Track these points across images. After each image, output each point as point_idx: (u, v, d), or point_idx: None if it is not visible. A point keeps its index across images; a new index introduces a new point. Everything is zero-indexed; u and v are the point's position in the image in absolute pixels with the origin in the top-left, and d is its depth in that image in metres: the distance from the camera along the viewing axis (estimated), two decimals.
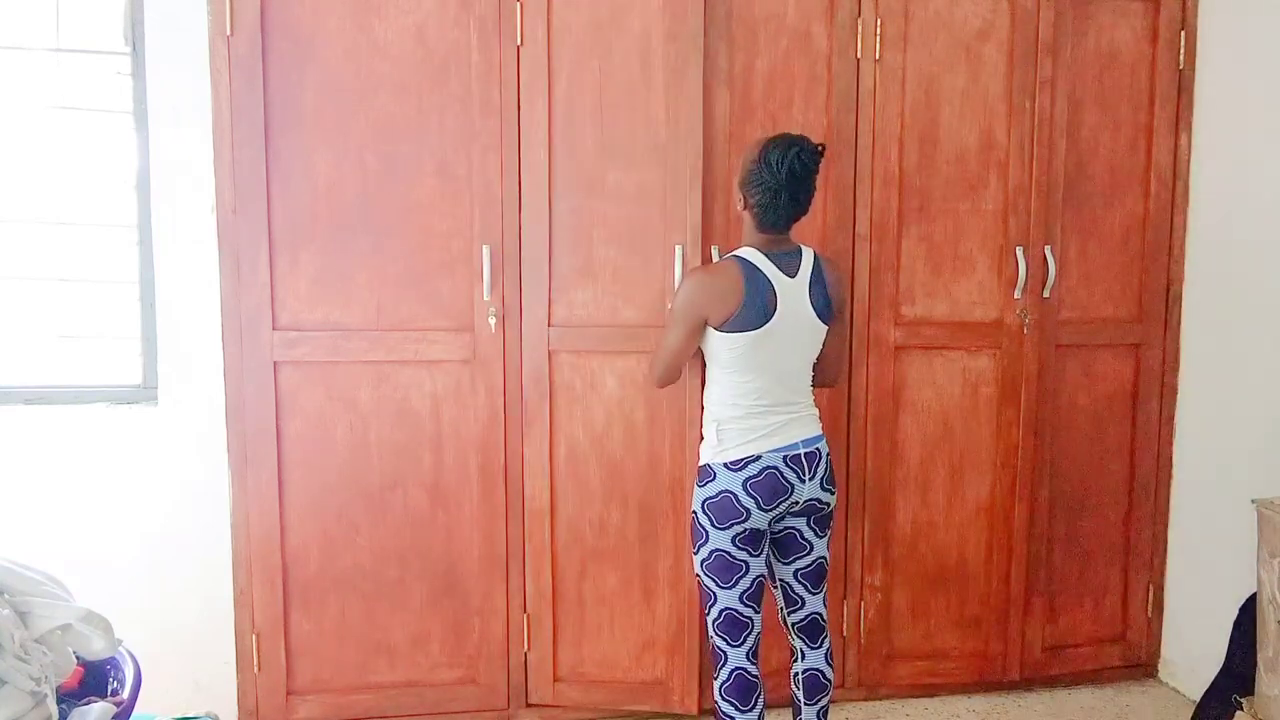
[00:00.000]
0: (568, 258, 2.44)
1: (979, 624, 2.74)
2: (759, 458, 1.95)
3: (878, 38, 2.52)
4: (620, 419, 2.49)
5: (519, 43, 2.37)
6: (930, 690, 2.75)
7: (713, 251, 2.44)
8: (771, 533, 2.05)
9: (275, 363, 2.35)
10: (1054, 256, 2.64)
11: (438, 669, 2.50)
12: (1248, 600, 2.14)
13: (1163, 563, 2.86)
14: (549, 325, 2.44)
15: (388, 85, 2.35)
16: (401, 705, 2.48)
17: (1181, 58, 2.71)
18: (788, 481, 1.96)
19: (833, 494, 2.06)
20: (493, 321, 2.40)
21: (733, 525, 1.95)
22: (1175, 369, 2.80)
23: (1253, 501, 2.06)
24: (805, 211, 2.00)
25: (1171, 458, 2.83)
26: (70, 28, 2.40)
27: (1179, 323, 2.79)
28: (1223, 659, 2.20)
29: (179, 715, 2.01)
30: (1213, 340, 2.72)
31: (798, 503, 2.00)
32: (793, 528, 2.04)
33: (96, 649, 1.68)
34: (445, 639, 2.50)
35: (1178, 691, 2.80)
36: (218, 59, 2.27)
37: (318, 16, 2.31)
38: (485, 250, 2.38)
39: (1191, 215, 2.76)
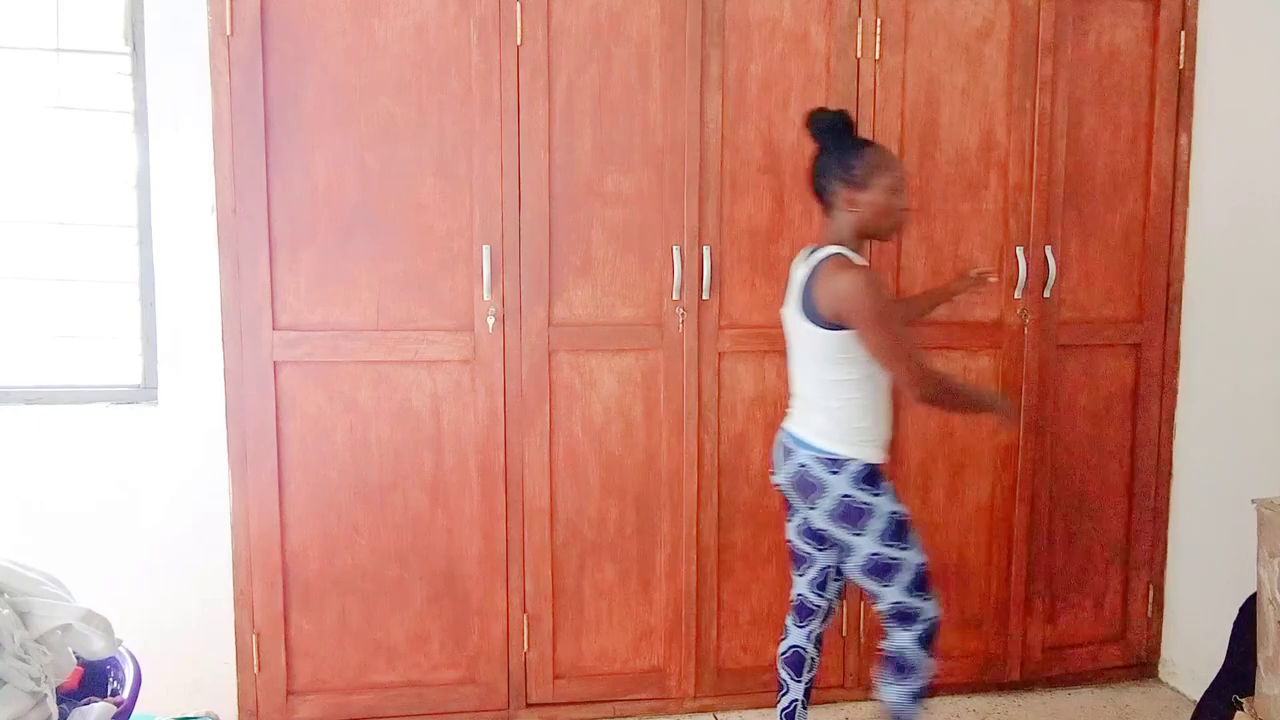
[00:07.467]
0: (567, 257, 2.45)
1: (979, 624, 2.74)
2: None
3: (878, 38, 2.52)
4: (618, 416, 2.50)
5: (519, 43, 2.37)
6: (930, 690, 2.74)
7: (704, 251, 2.45)
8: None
9: (275, 363, 2.35)
10: (1054, 256, 2.64)
11: (438, 669, 2.50)
12: (1248, 600, 2.13)
13: (1163, 563, 2.86)
14: (549, 325, 2.44)
15: (388, 85, 2.35)
16: (401, 705, 2.48)
17: (1181, 58, 2.70)
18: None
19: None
20: (492, 321, 2.41)
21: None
22: (1175, 369, 2.80)
23: (1253, 501, 2.05)
24: None
25: (1171, 458, 2.83)
26: (70, 28, 2.40)
27: (1179, 323, 2.79)
28: (1223, 659, 2.20)
29: (179, 715, 2.01)
30: (1213, 341, 2.72)
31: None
32: None
33: (96, 649, 1.69)
34: (445, 639, 2.50)
35: (1178, 691, 2.80)
36: (218, 59, 2.27)
37: (318, 16, 2.31)
38: (485, 250, 2.38)
39: (1191, 215, 2.75)
